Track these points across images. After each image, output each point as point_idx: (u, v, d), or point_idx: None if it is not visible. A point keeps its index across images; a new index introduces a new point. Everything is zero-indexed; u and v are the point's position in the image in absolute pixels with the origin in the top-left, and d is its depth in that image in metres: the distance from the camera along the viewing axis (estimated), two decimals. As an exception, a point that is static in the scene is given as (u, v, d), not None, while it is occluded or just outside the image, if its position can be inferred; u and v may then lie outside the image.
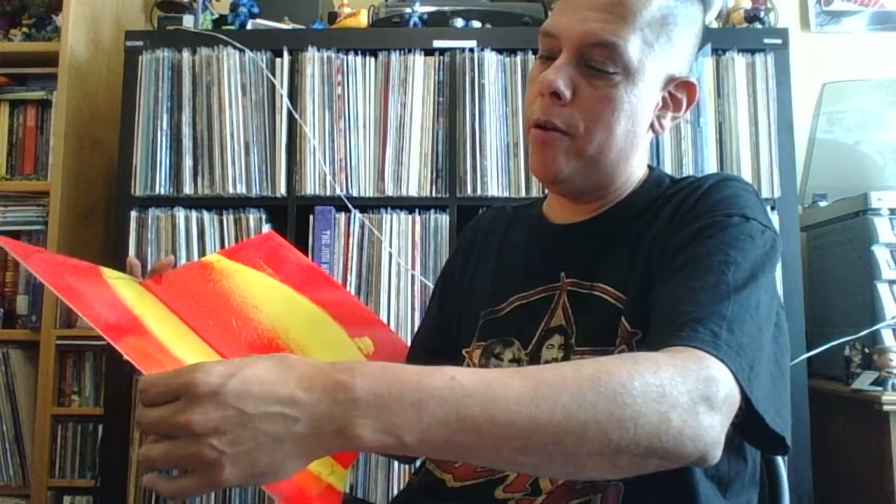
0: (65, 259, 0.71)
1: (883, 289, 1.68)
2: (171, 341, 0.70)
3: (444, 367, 0.55)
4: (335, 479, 0.74)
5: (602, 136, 0.79)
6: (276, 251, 0.96)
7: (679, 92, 0.84)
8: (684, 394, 0.57)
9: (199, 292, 0.82)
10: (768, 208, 1.71)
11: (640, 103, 0.79)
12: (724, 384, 0.60)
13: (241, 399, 0.49)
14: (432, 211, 1.77)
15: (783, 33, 1.80)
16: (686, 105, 0.85)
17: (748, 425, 0.64)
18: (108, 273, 0.76)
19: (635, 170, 0.86)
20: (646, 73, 0.78)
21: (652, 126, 0.83)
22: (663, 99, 0.83)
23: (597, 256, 0.83)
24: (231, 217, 1.78)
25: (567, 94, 0.77)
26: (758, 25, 1.86)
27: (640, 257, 0.78)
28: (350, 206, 1.76)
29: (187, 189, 1.78)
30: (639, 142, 0.83)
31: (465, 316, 0.94)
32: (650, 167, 0.89)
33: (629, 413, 0.54)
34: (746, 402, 0.62)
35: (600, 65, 0.77)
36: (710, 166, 1.76)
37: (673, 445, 0.56)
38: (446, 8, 1.89)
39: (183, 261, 1.74)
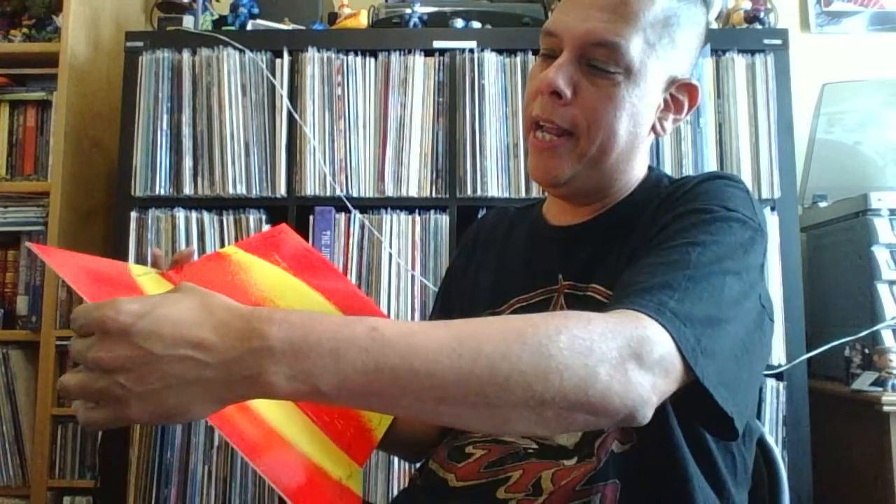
0: (94, 261, 0.71)
1: (883, 289, 1.68)
2: None
3: (367, 318, 0.54)
4: (353, 482, 0.74)
5: (604, 136, 0.79)
6: (289, 245, 0.96)
7: (681, 94, 0.84)
8: (613, 349, 0.56)
9: (218, 284, 0.82)
10: (768, 209, 1.71)
11: (641, 104, 0.79)
12: (659, 346, 0.58)
13: (149, 339, 0.49)
14: (432, 211, 1.77)
15: (783, 34, 1.80)
16: (688, 108, 0.85)
17: (695, 402, 0.63)
18: (135, 270, 0.76)
19: (636, 172, 0.86)
20: (647, 74, 0.78)
21: (653, 128, 0.83)
22: (665, 101, 0.83)
23: (592, 258, 0.83)
24: (231, 217, 1.78)
25: (567, 92, 0.77)
26: (758, 26, 1.86)
27: (626, 256, 0.78)
28: (350, 206, 1.76)
29: (187, 189, 1.78)
30: (640, 143, 0.83)
31: (466, 316, 0.94)
32: (650, 168, 0.89)
33: (554, 365, 0.54)
34: (695, 376, 0.61)
35: (602, 64, 0.77)
36: (710, 167, 1.76)
37: (600, 400, 0.55)
38: (446, 8, 1.89)
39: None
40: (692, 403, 0.64)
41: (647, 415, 0.58)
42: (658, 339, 0.59)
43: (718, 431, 0.69)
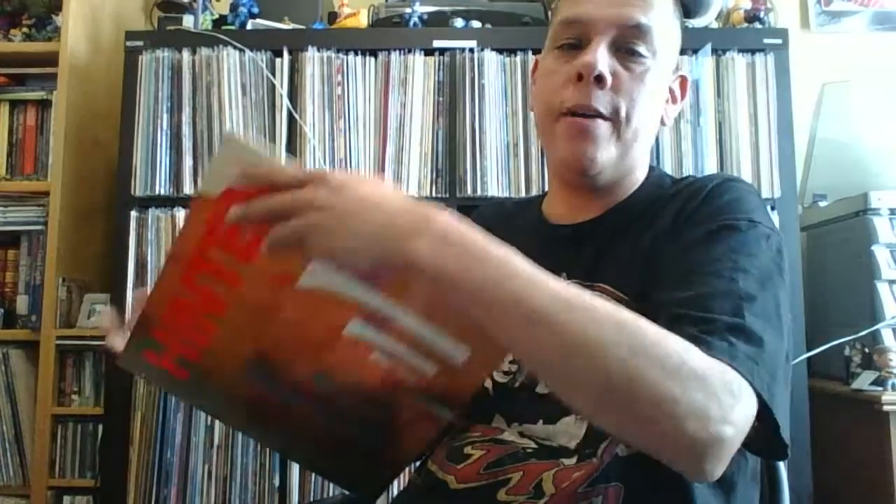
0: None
1: (883, 289, 1.68)
2: None
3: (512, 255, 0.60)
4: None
5: (638, 120, 0.79)
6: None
7: (675, 86, 0.85)
8: (716, 409, 0.57)
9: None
10: (768, 208, 1.71)
11: (661, 91, 0.81)
12: (748, 407, 0.59)
13: (354, 199, 0.61)
14: (432, 211, 1.77)
15: (783, 33, 1.80)
16: (680, 99, 0.86)
17: (760, 435, 0.63)
18: None
19: (641, 167, 0.87)
20: (665, 62, 0.80)
21: (661, 118, 0.84)
22: (670, 90, 0.84)
23: (598, 257, 0.82)
24: (231, 217, 1.78)
25: (610, 77, 0.77)
26: (758, 25, 1.86)
27: (639, 257, 0.78)
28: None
29: (187, 189, 1.78)
30: (654, 133, 0.84)
31: None
32: (650, 167, 0.89)
33: (674, 392, 0.56)
34: (772, 421, 0.62)
35: (636, 46, 0.78)
36: (710, 166, 1.76)
37: (683, 444, 0.56)
38: (446, 8, 1.89)
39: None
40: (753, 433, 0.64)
41: (717, 472, 0.59)
42: (748, 401, 0.59)
43: (771, 455, 0.70)
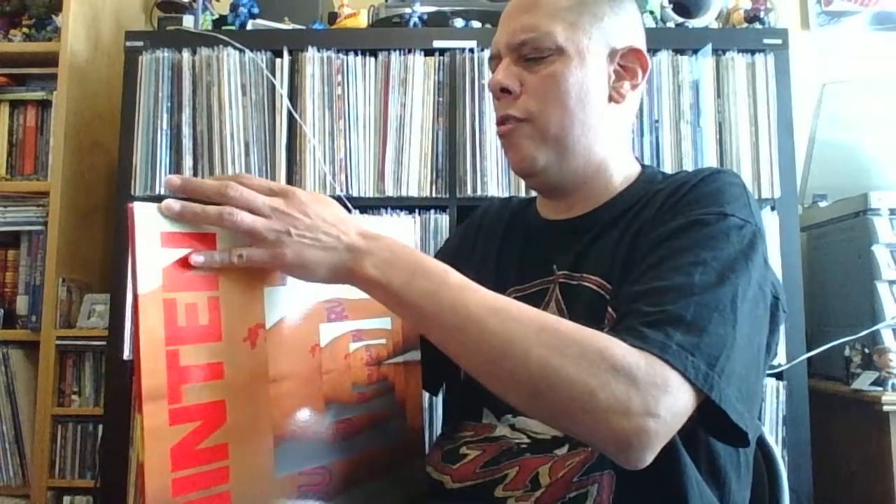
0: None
1: (883, 289, 1.68)
2: None
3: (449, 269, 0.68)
4: None
5: (558, 114, 0.82)
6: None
7: (629, 62, 0.86)
8: (638, 405, 0.60)
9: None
10: (768, 208, 1.71)
11: (586, 77, 0.82)
12: (676, 400, 0.61)
13: (318, 214, 0.67)
14: (432, 211, 1.77)
15: (783, 33, 1.80)
16: (641, 72, 0.86)
17: (707, 415, 0.65)
18: None
19: (620, 163, 0.87)
20: (582, 50, 0.82)
21: (611, 98, 0.85)
22: (616, 72, 0.85)
23: (585, 250, 0.84)
24: (231, 217, 1.78)
25: (513, 85, 0.83)
26: (758, 25, 1.86)
27: (623, 246, 0.79)
28: (350, 206, 1.76)
29: (187, 189, 1.78)
30: (600, 117, 0.84)
31: None
32: (643, 165, 0.90)
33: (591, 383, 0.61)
34: (713, 402, 0.63)
35: (534, 53, 0.82)
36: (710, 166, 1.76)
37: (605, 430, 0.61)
38: (446, 8, 1.89)
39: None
40: (704, 416, 0.65)
41: (645, 461, 0.62)
42: (678, 392, 0.62)
43: (729, 440, 0.70)
